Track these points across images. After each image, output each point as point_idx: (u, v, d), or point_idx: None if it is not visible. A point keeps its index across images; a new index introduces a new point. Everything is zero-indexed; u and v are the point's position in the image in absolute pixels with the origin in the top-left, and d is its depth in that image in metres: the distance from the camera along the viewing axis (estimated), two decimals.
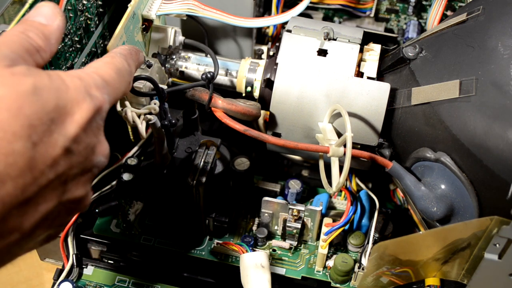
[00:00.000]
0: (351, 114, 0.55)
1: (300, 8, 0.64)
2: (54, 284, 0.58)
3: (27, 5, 0.50)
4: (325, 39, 0.57)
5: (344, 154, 0.50)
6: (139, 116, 0.51)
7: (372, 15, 0.77)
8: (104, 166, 0.35)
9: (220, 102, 0.55)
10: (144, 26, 0.59)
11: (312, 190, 0.67)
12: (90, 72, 0.35)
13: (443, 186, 0.52)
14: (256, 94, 0.61)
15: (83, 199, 0.34)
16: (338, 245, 0.62)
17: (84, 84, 0.33)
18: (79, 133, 0.32)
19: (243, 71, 0.61)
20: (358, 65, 0.57)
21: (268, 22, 0.65)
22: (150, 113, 0.52)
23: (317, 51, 0.57)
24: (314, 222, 0.60)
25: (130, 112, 0.51)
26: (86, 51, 0.60)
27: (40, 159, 0.29)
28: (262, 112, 0.59)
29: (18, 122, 0.28)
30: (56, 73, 0.32)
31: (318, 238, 0.61)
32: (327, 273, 0.60)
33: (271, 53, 0.67)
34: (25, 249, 0.32)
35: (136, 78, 0.50)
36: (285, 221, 0.60)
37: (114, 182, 0.64)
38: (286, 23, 0.62)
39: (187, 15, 0.63)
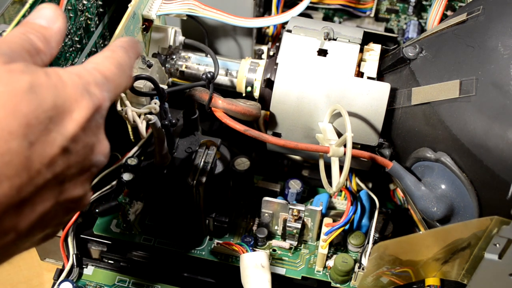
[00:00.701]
0: (351, 114, 0.55)
1: (300, 8, 0.64)
2: (54, 284, 0.58)
3: (27, 5, 0.50)
4: (325, 39, 0.57)
5: (344, 154, 0.50)
6: (139, 116, 0.52)
7: (372, 15, 0.77)
8: (104, 165, 0.35)
9: (220, 102, 0.55)
10: (144, 26, 0.59)
11: (312, 190, 0.67)
12: (89, 69, 0.34)
13: (443, 186, 0.52)
14: (256, 94, 0.61)
15: (82, 198, 0.34)
16: (338, 245, 0.62)
17: (83, 81, 0.32)
18: (78, 132, 0.31)
19: (243, 71, 0.61)
20: (358, 65, 0.57)
21: (268, 22, 0.65)
22: (151, 113, 0.52)
23: (317, 51, 0.57)
24: (314, 222, 0.60)
25: (131, 112, 0.51)
26: (86, 51, 0.60)
27: (37, 159, 0.29)
28: (262, 112, 0.59)
29: (15, 121, 0.28)
30: (54, 70, 0.31)
31: (318, 238, 0.61)
32: (327, 273, 0.60)
33: (271, 53, 0.67)
34: (22, 248, 0.32)
35: (136, 78, 0.50)
36: (285, 221, 0.60)
37: (114, 182, 0.64)
38: (286, 23, 0.62)
39: (187, 15, 0.63)
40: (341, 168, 0.51)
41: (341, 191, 0.63)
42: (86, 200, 0.34)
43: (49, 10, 0.35)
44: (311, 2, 0.68)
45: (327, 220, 0.60)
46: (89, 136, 0.32)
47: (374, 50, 0.59)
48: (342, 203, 0.64)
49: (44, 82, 0.30)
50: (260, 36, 0.73)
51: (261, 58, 0.65)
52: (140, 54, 0.41)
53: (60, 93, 0.30)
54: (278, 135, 0.58)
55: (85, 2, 0.57)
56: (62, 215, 0.33)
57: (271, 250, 0.61)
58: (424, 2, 0.76)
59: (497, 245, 0.44)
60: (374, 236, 0.58)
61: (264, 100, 0.59)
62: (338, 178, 0.51)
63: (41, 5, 0.35)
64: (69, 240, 0.60)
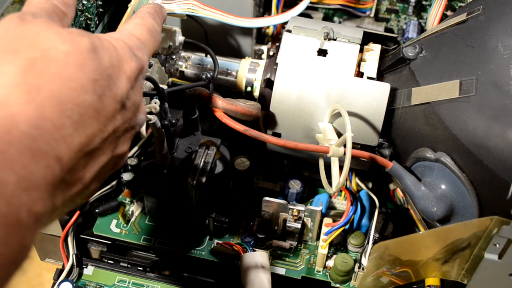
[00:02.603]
0: (351, 114, 0.55)
1: (300, 8, 0.64)
2: (54, 284, 0.58)
3: None
4: (325, 39, 0.57)
5: (344, 154, 0.50)
6: None
7: (372, 15, 0.77)
8: (143, 124, 0.37)
9: (220, 102, 0.55)
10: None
11: (312, 190, 0.67)
12: (128, 34, 0.37)
13: (443, 186, 0.52)
14: (256, 94, 0.61)
15: (125, 155, 0.36)
16: (338, 245, 0.62)
17: (128, 44, 0.35)
18: (129, 89, 0.34)
19: (243, 71, 0.61)
20: (358, 65, 0.57)
21: (268, 22, 0.65)
22: (151, 113, 0.52)
23: (317, 51, 0.57)
24: (314, 222, 0.60)
25: None
26: None
27: (103, 112, 0.31)
28: (262, 112, 0.59)
29: (85, 76, 0.30)
30: (103, 35, 0.34)
31: (318, 238, 0.61)
32: (327, 273, 0.60)
33: (271, 53, 0.67)
34: (79, 202, 0.34)
35: None
36: (285, 221, 0.60)
37: (114, 182, 0.64)
38: (286, 23, 0.62)
39: (187, 15, 0.63)
40: (341, 168, 0.51)
41: (341, 191, 0.63)
42: (126, 157, 0.37)
43: None
44: (311, 2, 0.68)
45: (327, 220, 0.60)
46: (136, 95, 0.35)
47: (374, 50, 0.59)
48: (342, 203, 0.64)
49: (99, 44, 0.32)
50: (260, 36, 0.73)
51: (261, 58, 0.65)
52: (165, 18, 0.45)
53: (114, 54, 0.33)
54: (278, 135, 0.58)
55: (85, 2, 0.57)
56: (111, 169, 0.35)
57: (271, 250, 0.61)
58: (424, 2, 0.76)
59: (497, 245, 0.44)
60: (374, 236, 0.58)
61: (264, 100, 0.59)
62: (338, 178, 0.51)
63: None
64: (69, 240, 0.60)
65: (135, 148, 0.64)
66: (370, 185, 0.66)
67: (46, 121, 0.28)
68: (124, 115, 0.33)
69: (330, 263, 0.59)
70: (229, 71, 0.63)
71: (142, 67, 0.36)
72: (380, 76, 0.58)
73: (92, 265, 0.61)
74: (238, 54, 0.71)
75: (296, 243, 0.61)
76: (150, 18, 0.40)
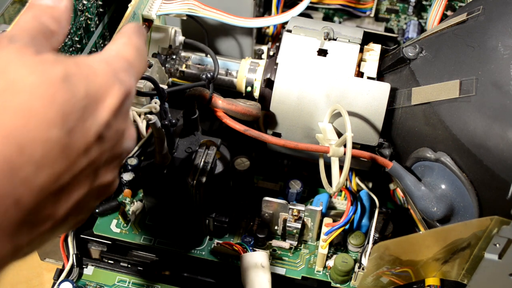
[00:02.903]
0: (351, 114, 0.55)
1: (300, 8, 0.64)
2: (54, 284, 0.58)
3: (27, 5, 0.50)
4: (325, 39, 0.57)
5: (344, 154, 0.50)
6: (139, 115, 0.52)
7: (372, 15, 0.77)
8: (132, 150, 0.35)
9: (220, 102, 0.55)
10: (144, 26, 0.59)
11: (312, 190, 0.67)
12: (114, 56, 0.34)
13: (443, 186, 0.52)
14: (256, 94, 0.61)
15: (112, 184, 0.34)
16: (338, 245, 0.62)
17: (112, 68, 0.33)
18: (110, 119, 0.31)
19: (243, 71, 0.61)
20: (358, 65, 0.57)
21: (268, 22, 0.65)
22: (151, 112, 0.52)
23: (317, 51, 0.57)
24: (314, 222, 0.60)
25: (131, 111, 0.51)
26: (86, 51, 0.60)
27: (74, 147, 0.29)
28: (262, 112, 0.59)
29: (52, 110, 0.28)
30: (83, 59, 0.32)
31: (318, 238, 0.61)
32: (327, 273, 0.60)
33: (271, 53, 0.67)
34: (56, 235, 0.32)
35: None
36: (285, 221, 0.60)
37: None
38: (286, 23, 0.62)
39: (187, 15, 0.63)
40: (341, 168, 0.51)
41: (341, 191, 0.63)
42: (115, 185, 0.35)
43: None
44: (311, 2, 0.68)
45: (327, 220, 0.60)
46: (120, 123, 0.33)
47: (374, 50, 0.59)
48: (342, 203, 0.64)
49: (76, 72, 0.30)
50: (260, 36, 0.73)
51: (261, 58, 0.65)
52: (146, 37, 0.42)
53: (92, 82, 0.31)
54: (278, 135, 0.58)
55: (85, 2, 0.57)
56: (95, 200, 0.34)
57: (271, 250, 0.61)
58: (424, 2, 0.76)
59: (497, 245, 0.44)
60: (374, 236, 0.58)
61: (264, 100, 0.59)
62: (338, 178, 0.51)
63: None
64: (69, 240, 0.60)
65: (135, 148, 0.64)
66: (370, 185, 0.66)
67: (2, 162, 0.26)
68: (102, 147, 0.31)
69: (330, 263, 0.59)
70: (229, 71, 0.63)
71: (128, 92, 0.33)
72: (380, 76, 0.58)
73: (92, 265, 0.61)
74: (238, 54, 0.71)
75: (296, 243, 0.61)
76: (137, 37, 0.37)
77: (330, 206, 0.64)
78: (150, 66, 0.56)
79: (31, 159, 0.27)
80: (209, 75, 0.55)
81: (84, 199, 0.32)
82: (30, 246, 0.30)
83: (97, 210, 0.62)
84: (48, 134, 0.28)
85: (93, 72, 0.31)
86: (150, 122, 0.50)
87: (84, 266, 0.60)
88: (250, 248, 0.59)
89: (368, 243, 0.58)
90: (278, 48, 0.58)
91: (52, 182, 0.28)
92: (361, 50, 0.58)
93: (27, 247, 0.29)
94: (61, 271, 0.59)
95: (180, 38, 0.64)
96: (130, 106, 0.34)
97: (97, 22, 0.61)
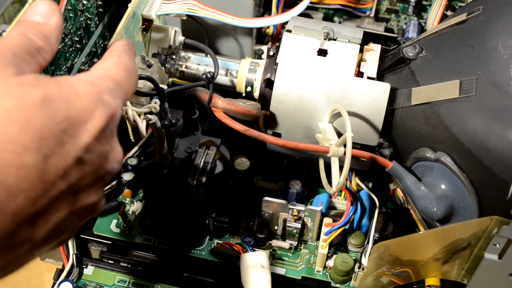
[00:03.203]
0: (351, 114, 0.55)
1: (300, 8, 0.64)
2: (54, 284, 0.58)
3: (27, 5, 0.50)
4: (325, 39, 0.57)
5: (344, 154, 0.50)
6: (139, 115, 0.52)
7: (372, 15, 0.77)
8: (118, 172, 0.35)
9: (220, 102, 0.55)
10: (144, 26, 0.59)
11: (312, 190, 0.67)
12: (101, 76, 0.33)
13: (443, 186, 0.52)
14: (256, 94, 0.61)
15: (96, 205, 0.34)
16: (338, 245, 0.62)
17: (96, 90, 0.32)
18: (92, 142, 0.31)
19: (243, 71, 0.61)
20: (358, 65, 0.57)
21: (268, 22, 0.65)
22: (151, 112, 0.52)
23: (317, 51, 0.57)
24: (314, 222, 0.60)
25: (131, 111, 0.51)
26: (86, 51, 0.60)
27: (51, 171, 0.29)
28: (262, 112, 0.59)
29: (28, 135, 0.28)
30: (66, 80, 0.31)
31: (318, 238, 0.61)
32: (327, 273, 0.60)
33: (271, 53, 0.67)
34: (36, 255, 0.32)
35: None
36: (285, 221, 0.60)
37: (114, 182, 0.64)
38: (286, 23, 0.62)
39: (187, 15, 0.63)
40: (341, 168, 0.51)
41: (341, 191, 0.63)
42: (100, 206, 0.34)
43: (43, 5, 0.34)
44: (311, 2, 0.68)
45: (327, 220, 0.60)
46: (103, 145, 0.32)
47: (374, 50, 0.59)
48: (342, 203, 0.64)
49: (56, 94, 0.29)
50: (260, 36, 0.73)
51: (261, 58, 0.65)
52: (135, 56, 0.41)
53: (73, 105, 0.30)
54: (278, 135, 0.58)
55: (85, 2, 0.57)
56: (77, 221, 0.33)
57: (271, 250, 0.61)
58: (424, 2, 0.76)
59: (497, 245, 0.44)
60: (374, 236, 0.58)
61: (264, 100, 0.59)
62: (338, 178, 0.51)
63: (35, 1, 0.35)
64: (69, 240, 0.60)
65: (135, 148, 0.64)
66: (370, 185, 0.66)
67: None
68: (83, 170, 0.31)
69: (330, 263, 0.59)
70: (229, 71, 0.63)
71: (113, 114, 0.32)
72: (380, 76, 0.58)
73: (92, 265, 0.61)
74: (238, 54, 0.71)
75: (296, 243, 0.61)
76: (127, 56, 0.36)
77: (330, 206, 0.64)
78: (150, 66, 0.56)
79: (3, 185, 0.27)
80: (209, 75, 0.55)
81: (65, 221, 0.31)
82: (7, 268, 0.30)
83: None
84: (23, 159, 0.27)
85: (76, 93, 0.31)
86: (150, 122, 0.50)
87: (84, 266, 0.60)
88: (250, 248, 0.59)
89: (368, 243, 0.58)
90: (278, 48, 0.58)
91: (28, 207, 0.28)
92: (361, 50, 0.58)
93: (4, 269, 0.29)
94: (61, 271, 0.59)
95: (180, 38, 0.64)
96: (115, 129, 0.33)
97: (97, 22, 0.61)
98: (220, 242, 0.60)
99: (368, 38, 0.61)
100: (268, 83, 0.58)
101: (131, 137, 0.59)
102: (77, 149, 0.30)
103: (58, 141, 0.29)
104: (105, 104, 0.32)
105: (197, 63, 0.64)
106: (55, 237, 0.32)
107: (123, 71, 0.35)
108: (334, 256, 0.59)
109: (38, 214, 0.29)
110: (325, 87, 0.55)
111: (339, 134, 0.55)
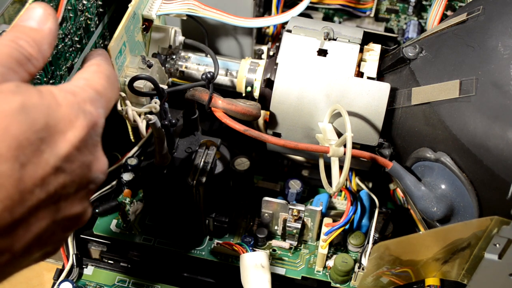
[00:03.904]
0: (351, 114, 0.55)
1: (300, 8, 0.64)
2: (54, 284, 0.58)
3: (27, 5, 0.50)
4: (325, 39, 0.57)
5: (344, 154, 0.50)
6: (139, 115, 0.52)
7: (372, 15, 0.77)
8: (102, 182, 0.34)
9: (220, 102, 0.55)
10: (144, 26, 0.59)
11: (312, 190, 0.67)
12: (83, 86, 0.33)
13: (443, 186, 0.52)
14: (256, 94, 0.61)
15: (81, 215, 0.33)
16: (338, 245, 0.62)
17: (78, 99, 0.32)
18: (72, 151, 0.31)
19: (243, 71, 0.61)
20: (358, 65, 0.57)
21: (268, 22, 0.65)
22: (151, 112, 0.52)
23: (317, 51, 0.57)
24: (314, 222, 0.60)
25: (131, 111, 0.51)
26: (86, 51, 0.60)
27: (28, 180, 0.28)
28: (262, 112, 0.59)
29: (4, 143, 0.27)
30: (48, 89, 0.31)
31: (318, 238, 0.61)
32: (327, 273, 0.60)
33: (271, 53, 0.67)
34: (20, 267, 0.32)
35: (136, 78, 0.50)
36: (285, 221, 0.60)
37: (114, 182, 0.64)
38: (286, 23, 0.62)
39: (187, 15, 0.63)
40: (341, 168, 0.51)
41: (341, 191, 0.63)
42: (86, 216, 0.34)
43: (39, 10, 0.34)
44: (311, 2, 0.68)
45: (327, 220, 0.60)
46: (85, 155, 0.32)
47: (374, 50, 0.59)
48: (342, 203, 0.64)
49: (36, 103, 0.29)
50: (260, 36, 0.73)
51: (261, 58, 0.65)
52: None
53: (53, 113, 0.30)
54: (278, 135, 0.58)
55: (85, 2, 0.57)
56: (61, 232, 0.33)
57: (271, 250, 0.61)
58: (424, 2, 0.76)
59: (497, 245, 0.44)
60: (374, 236, 0.58)
61: (264, 100, 0.59)
62: (338, 178, 0.51)
63: (31, 4, 0.34)
64: (69, 240, 0.60)
65: (135, 148, 0.64)
66: (370, 185, 0.66)
67: None
68: (64, 179, 0.30)
69: (330, 263, 0.59)
70: (229, 71, 0.63)
71: (94, 123, 0.32)
72: (380, 76, 0.58)
73: (92, 265, 0.61)
74: (238, 54, 0.71)
75: (296, 243, 0.61)
76: (106, 64, 0.36)
77: (330, 206, 0.64)
78: (150, 66, 0.56)
79: None
80: (209, 75, 0.55)
81: (47, 232, 0.31)
82: None
83: (97, 210, 0.62)
84: (0, 167, 0.27)
85: (56, 103, 0.30)
86: (150, 122, 0.50)
87: (84, 266, 0.60)
88: (250, 248, 0.59)
89: (368, 243, 0.58)
90: (278, 48, 0.58)
91: (5, 216, 0.28)
92: (361, 50, 0.58)
93: None
94: (61, 271, 0.59)
95: (180, 38, 0.64)
96: (98, 138, 0.33)
97: (97, 22, 0.61)
98: (220, 242, 0.60)
99: (368, 38, 0.61)
100: (268, 83, 0.58)
101: (131, 137, 0.59)
102: (56, 158, 0.30)
103: (36, 149, 0.29)
104: (86, 114, 0.32)
105: (197, 63, 0.64)
106: (38, 248, 0.31)
107: (103, 79, 0.35)
108: (334, 256, 0.59)
109: (16, 223, 0.29)
110: (325, 87, 0.55)
111: (339, 134, 0.55)
